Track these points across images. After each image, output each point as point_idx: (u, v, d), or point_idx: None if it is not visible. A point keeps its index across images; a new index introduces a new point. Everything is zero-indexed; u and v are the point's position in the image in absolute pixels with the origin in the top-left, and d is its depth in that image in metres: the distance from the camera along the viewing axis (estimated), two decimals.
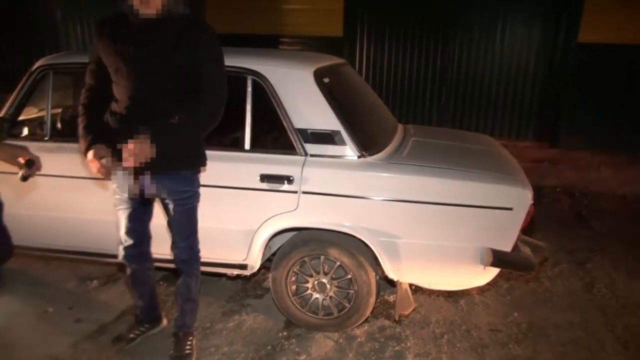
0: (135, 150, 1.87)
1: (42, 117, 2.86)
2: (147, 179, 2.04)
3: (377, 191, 2.37)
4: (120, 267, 2.87)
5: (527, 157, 6.07)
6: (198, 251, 2.33)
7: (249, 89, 2.48)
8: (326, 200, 2.40)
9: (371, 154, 2.46)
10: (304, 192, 2.41)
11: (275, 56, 2.69)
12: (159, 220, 2.32)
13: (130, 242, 2.29)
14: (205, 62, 2.00)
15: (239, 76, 2.47)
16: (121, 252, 2.33)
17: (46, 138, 2.70)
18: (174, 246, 2.28)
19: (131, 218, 2.26)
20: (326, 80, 2.54)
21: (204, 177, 2.46)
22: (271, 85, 2.44)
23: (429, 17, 7.01)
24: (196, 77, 2.01)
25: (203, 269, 2.63)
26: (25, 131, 2.75)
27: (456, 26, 6.95)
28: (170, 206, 2.21)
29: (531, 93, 6.94)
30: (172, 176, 2.15)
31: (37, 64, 2.70)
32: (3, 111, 2.72)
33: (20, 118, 2.80)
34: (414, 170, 2.39)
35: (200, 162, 2.24)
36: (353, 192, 2.38)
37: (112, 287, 3.07)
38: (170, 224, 2.26)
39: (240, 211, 2.50)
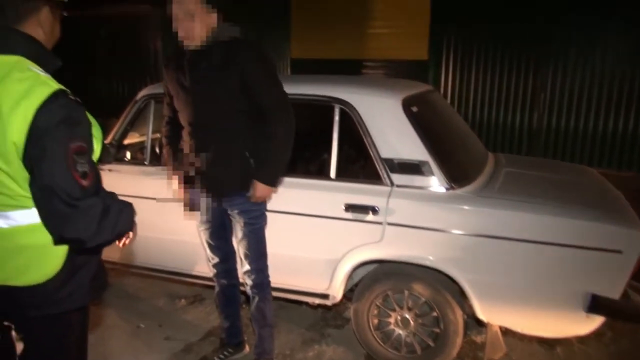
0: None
1: (142, 143, 3.05)
2: (196, 192, 2.18)
3: (467, 226, 2.25)
4: (207, 287, 2.96)
5: (632, 189, 5.55)
6: (268, 275, 2.35)
7: (336, 118, 2.48)
8: (412, 233, 2.32)
9: (460, 186, 2.35)
10: (389, 224, 2.35)
11: (363, 84, 2.69)
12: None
13: (216, 259, 2.41)
14: (258, 80, 2.05)
15: (325, 104, 2.49)
16: (211, 270, 2.45)
17: (146, 162, 2.87)
18: (245, 270, 2.32)
19: (213, 237, 2.37)
20: (414, 109, 2.48)
21: (290, 204, 2.49)
22: (358, 114, 2.43)
23: (519, 39, 6.71)
24: (255, 96, 2.06)
25: (286, 296, 2.65)
26: (128, 155, 2.95)
27: (550, 48, 6.57)
28: (239, 226, 2.26)
29: (636, 120, 6.35)
30: (241, 194, 2.19)
31: (140, 94, 2.90)
32: (110, 137, 2.94)
33: (125, 142, 3.02)
34: (508, 205, 2.25)
35: None
36: (441, 225, 2.28)
37: (199, 306, 3.17)
38: (239, 246, 2.31)
39: (323, 240, 2.48)
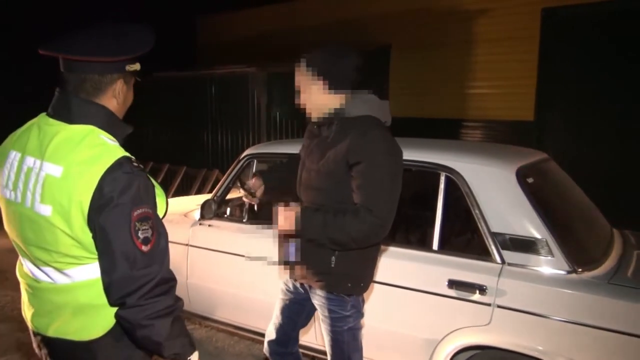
0: (281, 216, 1.82)
1: (241, 200, 3.10)
2: (292, 246, 1.90)
3: (593, 318, 1.95)
4: None
5: None
6: None
7: (442, 186, 2.34)
8: (525, 319, 2.06)
9: (585, 270, 2.07)
10: (499, 306, 2.11)
11: (471, 151, 2.53)
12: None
13: (273, 337, 2.16)
14: (365, 173, 1.73)
15: (431, 171, 2.37)
16: (265, 346, 2.21)
17: (244, 220, 2.90)
18: None
19: (283, 312, 2.13)
20: (530, 180, 2.27)
21: (387, 275, 2.34)
22: (467, 184, 2.27)
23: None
24: (355, 188, 1.77)
25: None
26: (228, 212, 3.00)
27: None
28: (321, 318, 1.99)
29: None
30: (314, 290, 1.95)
31: (245, 153, 2.98)
32: (213, 193, 3.02)
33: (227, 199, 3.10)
34: None
35: (343, 287, 1.88)
36: (560, 314, 2.00)
37: None
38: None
39: (423, 317, 2.29)
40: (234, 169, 2.98)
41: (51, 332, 1.40)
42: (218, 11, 10.61)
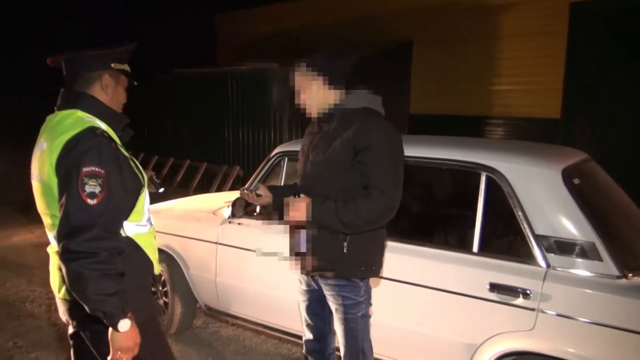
0: (292, 207, 1.89)
1: None
2: (302, 235, 1.96)
3: None
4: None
5: None
6: None
7: (482, 187, 2.27)
8: (571, 326, 1.99)
9: (635, 275, 1.99)
10: (543, 311, 2.04)
11: (513, 151, 2.45)
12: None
13: (310, 336, 2.21)
14: (373, 157, 1.82)
15: (470, 171, 2.30)
16: (304, 347, 2.26)
17: (274, 218, 2.86)
18: None
19: (308, 312, 2.19)
20: (576, 181, 2.19)
21: (425, 277, 2.29)
22: (509, 185, 2.19)
23: None
24: (364, 172, 1.85)
25: None
26: (258, 210, 2.96)
27: None
28: (333, 308, 2.04)
29: None
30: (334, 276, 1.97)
31: (275, 151, 2.93)
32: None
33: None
34: None
35: (356, 271, 1.95)
36: (609, 320, 1.92)
37: None
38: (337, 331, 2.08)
39: (462, 321, 2.23)
40: (264, 166, 2.94)
41: (62, 294, 1.62)
42: (238, 8, 10.58)
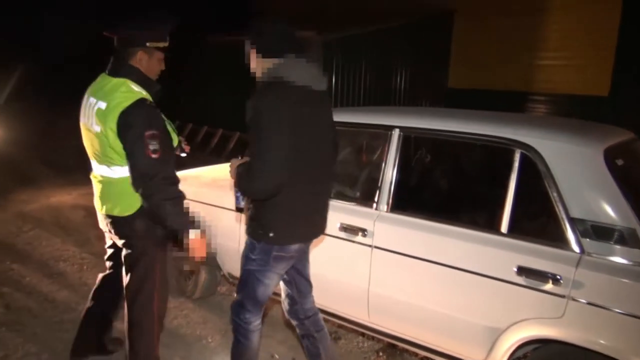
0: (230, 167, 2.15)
1: None
2: (237, 192, 2.20)
3: None
4: (341, 327, 2.79)
5: None
6: (243, 319, 2.18)
7: (516, 165, 2.14)
8: (604, 316, 1.87)
9: None
10: (574, 299, 1.92)
11: (551, 127, 2.30)
12: None
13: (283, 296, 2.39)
14: (252, 132, 1.96)
15: (504, 148, 2.17)
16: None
17: None
18: None
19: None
20: (619, 162, 2.04)
21: (449, 257, 2.20)
22: (545, 163, 2.06)
23: None
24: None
25: (436, 358, 2.35)
26: None
27: None
28: None
29: None
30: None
31: None
32: None
33: None
34: None
35: (253, 233, 2.09)
36: None
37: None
38: None
39: (486, 304, 2.14)
40: None
41: (104, 211, 2.23)
42: None
